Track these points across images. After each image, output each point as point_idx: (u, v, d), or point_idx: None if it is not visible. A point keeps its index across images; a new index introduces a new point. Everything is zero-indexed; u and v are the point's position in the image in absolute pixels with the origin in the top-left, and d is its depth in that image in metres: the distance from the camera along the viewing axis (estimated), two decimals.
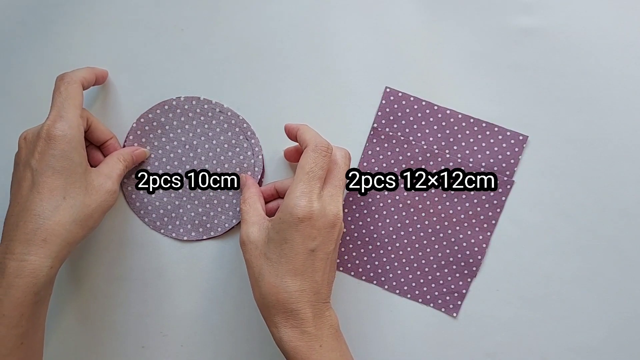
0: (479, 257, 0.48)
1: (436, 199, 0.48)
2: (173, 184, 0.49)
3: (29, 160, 0.41)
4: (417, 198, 0.48)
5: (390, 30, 0.48)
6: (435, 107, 0.48)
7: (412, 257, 0.48)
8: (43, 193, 0.40)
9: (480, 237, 0.48)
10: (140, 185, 0.49)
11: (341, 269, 0.49)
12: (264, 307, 0.42)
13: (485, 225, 0.48)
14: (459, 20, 0.48)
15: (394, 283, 0.49)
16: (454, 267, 0.48)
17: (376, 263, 0.49)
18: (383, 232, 0.49)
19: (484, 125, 0.48)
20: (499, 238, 0.48)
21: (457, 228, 0.48)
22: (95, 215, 0.42)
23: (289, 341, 0.40)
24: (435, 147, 0.48)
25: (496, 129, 0.48)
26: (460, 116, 0.48)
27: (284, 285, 0.40)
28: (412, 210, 0.48)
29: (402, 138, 0.48)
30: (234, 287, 0.49)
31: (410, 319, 0.49)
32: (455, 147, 0.48)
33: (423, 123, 0.48)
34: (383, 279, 0.49)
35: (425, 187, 0.48)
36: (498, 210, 0.48)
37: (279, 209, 0.42)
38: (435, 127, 0.48)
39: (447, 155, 0.48)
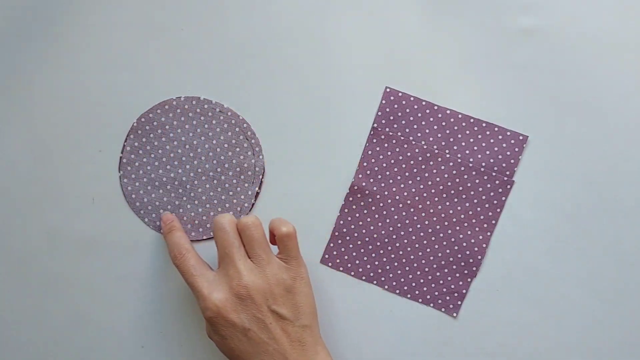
0: (479, 257, 0.48)
1: (436, 199, 0.48)
2: (173, 185, 0.49)
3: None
4: (417, 198, 0.48)
5: (390, 30, 0.48)
6: (435, 107, 0.48)
7: (412, 257, 0.48)
8: None
9: (480, 237, 0.48)
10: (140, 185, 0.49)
11: (341, 269, 0.49)
12: None
13: (485, 225, 0.48)
14: (459, 20, 0.48)
15: (394, 283, 0.49)
16: (454, 267, 0.48)
17: (376, 263, 0.49)
18: (383, 232, 0.49)
19: (484, 125, 0.48)
20: (499, 238, 0.48)
21: (457, 228, 0.48)
22: None
23: None
24: (435, 147, 0.48)
25: (496, 129, 0.48)
26: (460, 116, 0.48)
27: None
28: (412, 210, 0.48)
29: (402, 138, 0.48)
30: None
31: (410, 319, 0.49)
32: (455, 147, 0.48)
33: (423, 123, 0.48)
34: (383, 279, 0.49)
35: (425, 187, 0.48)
36: (498, 210, 0.48)
37: None
38: (435, 127, 0.48)
39: (447, 155, 0.48)
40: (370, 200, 0.48)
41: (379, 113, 0.48)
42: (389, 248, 0.49)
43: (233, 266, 0.42)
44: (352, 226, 0.49)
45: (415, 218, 0.48)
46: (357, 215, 0.49)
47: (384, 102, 0.48)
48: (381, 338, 0.49)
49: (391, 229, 0.49)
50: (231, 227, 0.43)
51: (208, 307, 0.41)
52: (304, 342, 0.42)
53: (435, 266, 0.48)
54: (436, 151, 0.48)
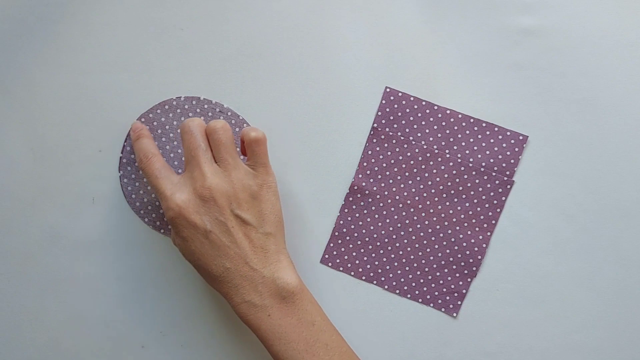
0: (479, 257, 0.48)
1: (436, 199, 0.48)
2: None
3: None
4: (417, 198, 0.48)
5: (391, 30, 0.48)
6: (435, 107, 0.48)
7: (412, 257, 0.48)
8: None
9: (480, 237, 0.48)
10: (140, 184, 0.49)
11: (341, 269, 0.49)
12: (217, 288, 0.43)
13: (485, 225, 0.48)
14: (459, 20, 0.48)
15: (394, 283, 0.49)
16: (454, 267, 0.48)
17: (376, 263, 0.49)
18: (383, 232, 0.49)
19: (484, 125, 0.48)
20: (499, 238, 0.48)
21: (457, 228, 0.48)
22: None
23: (242, 315, 0.42)
24: (435, 147, 0.48)
25: (496, 129, 0.48)
26: (460, 116, 0.48)
27: (211, 272, 0.41)
28: (412, 210, 0.48)
29: (402, 138, 0.48)
30: None
31: (410, 319, 0.49)
32: (455, 147, 0.48)
33: (423, 123, 0.48)
34: (383, 279, 0.49)
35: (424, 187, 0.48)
36: (498, 210, 0.48)
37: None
38: (435, 127, 0.48)
39: (447, 155, 0.48)
40: (370, 200, 0.48)
41: (379, 113, 0.48)
42: (389, 248, 0.49)
43: (198, 168, 0.42)
44: (352, 226, 0.49)
45: (415, 218, 0.48)
46: (357, 215, 0.49)
47: (384, 102, 0.48)
48: (381, 338, 0.49)
49: (391, 229, 0.49)
50: (199, 130, 0.43)
51: (170, 207, 0.41)
52: (266, 249, 0.42)
53: (435, 266, 0.48)
54: (436, 151, 0.48)
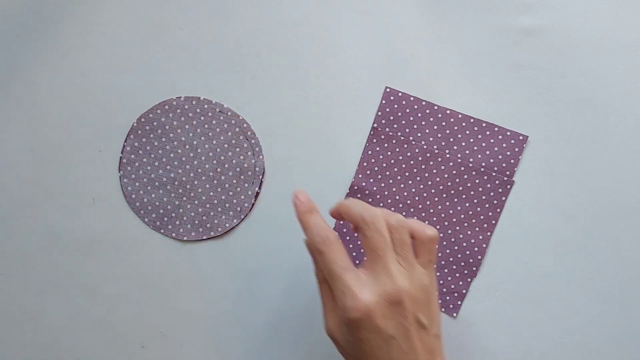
0: (479, 257, 0.48)
1: (436, 199, 0.48)
2: (172, 185, 0.49)
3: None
4: (417, 198, 0.48)
5: (391, 30, 0.48)
6: (435, 107, 0.48)
7: None
8: None
9: (480, 237, 0.48)
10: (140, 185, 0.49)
11: None
12: None
13: (485, 225, 0.48)
14: (459, 20, 0.48)
15: None
16: (454, 267, 0.48)
17: None
18: None
19: (484, 125, 0.48)
20: (499, 238, 0.48)
21: (457, 228, 0.48)
22: None
23: None
24: (435, 147, 0.48)
25: (496, 129, 0.48)
26: (460, 116, 0.48)
27: None
28: (412, 210, 0.48)
29: (402, 138, 0.48)
30: (233, 287, 0.49)
31: None
32: (455, 147, 0.48)
33: (423, 123, 0.48)
34: None
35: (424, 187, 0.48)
36: (498, 210, 0.48)
37: (338, 308, 0.38)
38: (435, 127, 0.48)
39: (447, 155, 0.48)
40: (370, 200, 0.48)
41: (379, 113, 0.48)
42: None
43: (384, 268, 0.38)
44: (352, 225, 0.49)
45: (415, 218, 0.48)
46: None
47: (384, 102, 0.48)
48: None
49: None
50: (386, 228, 0.39)
51: (357, 308, 0.37)
52: (433, 352, 0.39)
53: (434, 266, 0.48)
54: (436, 151, 0.48)
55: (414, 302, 0.38)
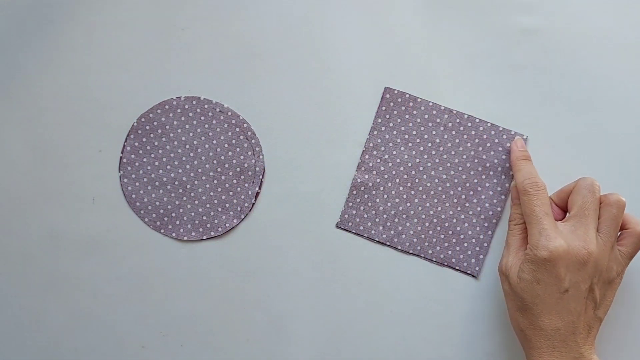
0: (499, 208, 0.48)
1: (436, 200, 0.48)
2: (172, 185, 0.49)
3: None
4: (416, 199, 0.48)
5: (390, 30, 0.48)
6: (435, 107, 0.48)
7: (423, 216, 0.48)
8: None
9: (482, 237, 0.48)
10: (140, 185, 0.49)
11: (355, 230, 0.49)
12: (523, 338, 0.43)
13: (485, 225, 0.48)
14: (459, 20, 0.48)
15: (408, 243, 0.48)
16: (474, 220, 0.48)
17: (388, 224, 0.48)
18: (385, 232, 0.49)
19: (483, 124, 0.48)
20: (499, 238, 0.48)
21: (458, 229, 0.48)
22: None
23: None
24: (435, 146, 0.48)
25: (496, 129, 0.48)
26: (460, 116, 0.48)
27: (539, 323, 0.41)
28: (412, 211, 0.48)
29: (402, 138, 0.48)
30: (233, 287, 0.49)
31: (410, 319, 0.49)
32: (455, 147, 0.48)
33: (423, 122, 0.48)
34: (396, 239, 0.48)
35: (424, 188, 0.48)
36: (499, 209, 0.48)
37: (528, 246, 0.42)
38: (435, 127, 0.48)
39: (447, 155, 0.48)
40: (374, 192, 0.48)
41: (379, 113, 0.48)
42: (400, 208, 0.48)
43: (585, 229, 0.41)
44: (355, 223, 0.49)
45: (414, 216, 0.48)
46: (362, 207, 0.49)
47: (383, 102, 0.48)
48: (381, 338, 0.49)
49: (393, 229, 0.48)
50: (598, 193, 0.43)
51: (547, 248, 0.40)
52: (591, 331, 0.42)
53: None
54: (436, 151, 0.48)
55: (597, 272, 0.41)
